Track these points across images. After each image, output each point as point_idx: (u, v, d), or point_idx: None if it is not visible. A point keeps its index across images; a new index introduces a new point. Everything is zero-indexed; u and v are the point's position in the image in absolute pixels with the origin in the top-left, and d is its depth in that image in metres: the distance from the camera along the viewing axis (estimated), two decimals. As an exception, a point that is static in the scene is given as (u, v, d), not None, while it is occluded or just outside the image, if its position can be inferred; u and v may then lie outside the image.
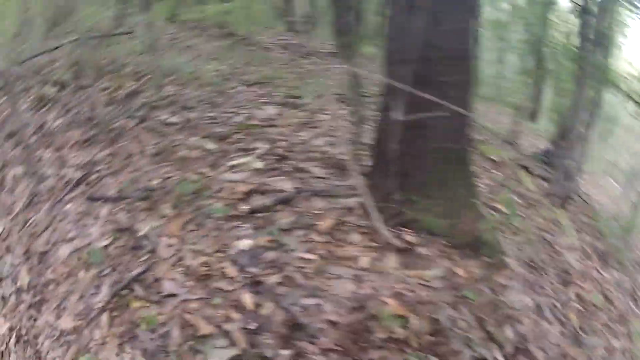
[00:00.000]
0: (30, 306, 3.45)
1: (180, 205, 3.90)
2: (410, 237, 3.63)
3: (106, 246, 3.62)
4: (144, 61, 6.72)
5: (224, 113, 5.62)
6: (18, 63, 6.88)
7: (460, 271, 3.47)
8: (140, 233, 3.68)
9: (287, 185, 4.18)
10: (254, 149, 4.79)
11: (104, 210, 3.93)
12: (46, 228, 3.91)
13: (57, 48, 6.34)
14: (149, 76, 6.37)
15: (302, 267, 3.28)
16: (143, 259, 3.49)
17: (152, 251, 3.54)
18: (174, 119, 5.21)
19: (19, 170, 4.57)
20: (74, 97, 5.74)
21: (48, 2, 7.41)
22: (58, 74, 6.33)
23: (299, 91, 6.61)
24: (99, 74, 6.35)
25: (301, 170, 4.47)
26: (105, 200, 4.02)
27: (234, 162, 4.48)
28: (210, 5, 10.17)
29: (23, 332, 3.34)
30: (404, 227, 3.68)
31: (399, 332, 2.97)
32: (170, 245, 3.57)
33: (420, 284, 3.29)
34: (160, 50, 6.63)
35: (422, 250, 3.57)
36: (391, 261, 3.43)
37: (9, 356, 3.27)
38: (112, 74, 6.35)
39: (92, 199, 4.05)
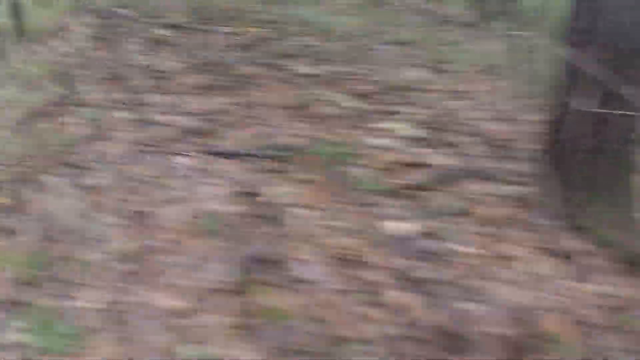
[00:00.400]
0: (123, 277, 2.69)
1: (316, 170, 3.09)
2: (578, 243, 2.92)
3: (224, 212, 2.84)
4: (270, 11, 6.06)
5: (363, 70, 4.80)
6: (126, 5, 6.46)
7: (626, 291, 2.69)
8: (267, 200, 2.90)
9: (439, 160, 3.45)
10: (398, 112, 4.01)
11: (224, 167, 3.15)
12: (150, 184, 3.09)
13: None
14: (280, 24, 5.71)
15: (456, 263, 2.67)
16: (269, 231, 2.72)
17: (281, 223, 2.77)
18: (307, 70, 4.43)
19: (123, 115, 3.78)
20: (191, 41, 5.08)
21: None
22: (174, 17, 5.76)
23: (444, 56, 5.70)
24: (220, 20, 5.74)
25: (454, 145, 3.72)
26: (227, 155, 3.23)
27: (378, 125, 3.66)
28: None
29: (112, 307, 2.60)
30: (573, 230, 3.02)
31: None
32: (303, 218, 2.81)
33: (585, 299, 2.57)
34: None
35: (589, 260, 2.83)
36: (558, 268, 2.76)
37: (94, 333, 2.54)
38: (236, 21, 5.70)
39: (210, 153, 3.26)
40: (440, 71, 5.26)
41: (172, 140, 3.41)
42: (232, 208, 2.83)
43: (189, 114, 3.72)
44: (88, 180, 3.12)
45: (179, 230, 2.75)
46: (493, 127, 3.97)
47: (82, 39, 5.67)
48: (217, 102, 3.84)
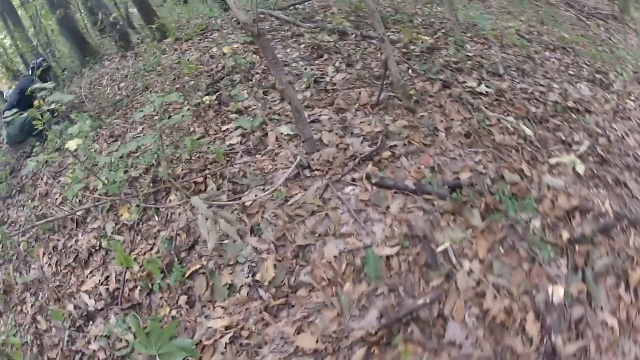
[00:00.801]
0: (266, 307, 2.69)
1: (493, 215, 2.86)
2: None
3: (389, 256, 2.68)
4: (435, 12, 5.79)
5: (536, 85, 4.45)
6: (282, 8, 6.49)
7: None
8: (438, 247, 2.71)
9: (607, 204, 3.12)
10: (575, 142, 3.72)
11: (395, 203, 2.96)
12: (313, 213, 2.98)
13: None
14: (443, 30, 5.43)
15: (601, 336, 2.42)
16: (434, 284, 2.55)
17: (448, 275, 2.58)
18: (483, 88, 4.10)
19: (284, 130, 3.73)
20: (357, 49, 5.00)
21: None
22: (334, 21, 5.70)
23: (603, 65, 5.28)
24: (383, 24, 5.58)
25: (621, 183, 3.44)
26: (399, 190, 3.04)
27: (555, 160, 3.34)
28: None
29: (244, 334, 2.63)
30: None
31: None
32: (471, 272, 2.60)
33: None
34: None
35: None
36: None
37: (214, 353, 2.58)
38: (400, 25, 5.51)
39: (381, 185, 3.09)
40: (603, 85, 4.85)
41: (342, 165, 3.29)
42: (401, 252, 2.69)
43: (362, 135, 3.58)
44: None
45: (339, 269, 2.68)
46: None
47: (235, 41, 5.85)
48: (391, 122, 3.67)
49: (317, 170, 3.29)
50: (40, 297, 3.57)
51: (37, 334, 3.33)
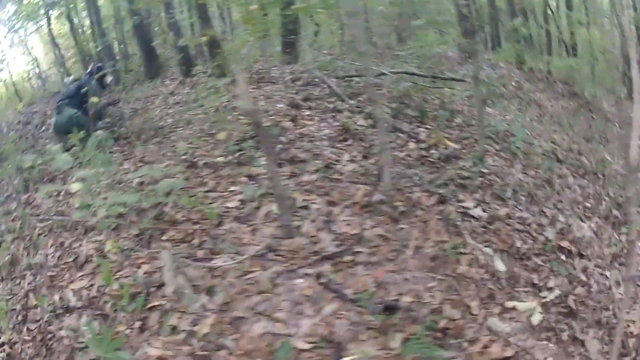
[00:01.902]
0: (193, 354, 2.98)
1: (413, 345, 3.01)
2: None
3: (302, 350, 2.94)
4: (474, 115, 5.97)
5: (538, 216, 4.53)
6: (338, 76, 6.83)
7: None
8: (346, 356, 2.90)
9: None
10: (546, 288, 3.76)
11: (331, 307, 3.19)
12: (260, 292, 3.30)
13: (380, 75, 5.98)
14: (475, 137, 5.60)
15: None
16: None
17: None
18: (477, 211, 4.24)
19: (274, 209, 4.01)
20: (382, 139, 5.26)
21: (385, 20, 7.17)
22: (380, 102, 5.99)
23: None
24: (420, 117, 5.82)
25: (579, 342, 3.42)
26: (339, 296, 3.27)
27: (512, 304, 3.44)
28: (556, 57, 8.91)
29: None
30: None
31: None
32: None
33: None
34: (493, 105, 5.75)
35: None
36: None
37: None
38: (437, 122, 5.73)
39: (326, 287, 3.33)
40: (615, 223, 4.82)
41: (303, 258, 3.57)
42: (314, 350, 2.93)
43: (337, 233, 3.84)
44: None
45: (258, 347, 2.96)
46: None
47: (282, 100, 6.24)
48: (370, 228, 3.90)
49: (281, 256, 3.61)
50: (37, 279, 4.19)
51: (25, 307, 3.96)
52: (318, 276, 3.42)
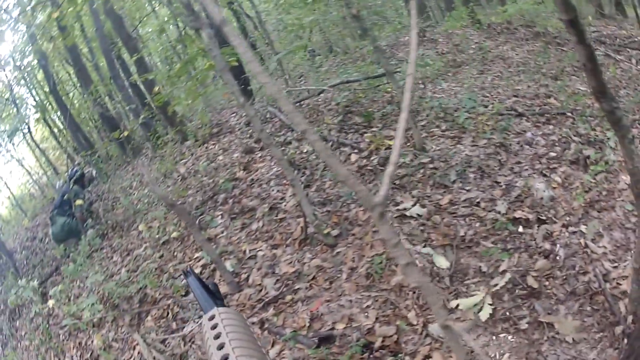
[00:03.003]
0: None
1: None
2: None
3: None
4: (423, 99, 5.82)
5: (490, 190, 4.33)
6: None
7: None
8: None
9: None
10: (499, 273, 3.55)
11: (275, 349, 3.28)
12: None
13: (320, 93, 5.94)
14: (425, 122, 5.45)
15: None
16: None
17: None
18: (415, 210, 4.12)
19: (228, 266, 4.17)
20: (291, 178, 5.22)
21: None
22: (327, 120, 5.95)
23: (605, 134, 4.91)
24: (366, 122, 5.71)
25: (544, 326, 3.16)
26: (280, 337, 3.34)
27: (457, 302, 3.30)
28: (510, 2, 8.52)
29: None
30: None
31: None
32: None
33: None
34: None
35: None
36: None
37: None
38: (382, 122, 5.60)
39: (270, 331, 3.44)
40: (586, 164, 4.54)
41: (250, 307, 3.70)
42: None
43: (278, 275, 3.91)
44: None
45: None
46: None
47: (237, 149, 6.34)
48: (307, 260, 3.94)
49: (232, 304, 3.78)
50: None
51: None
52: (262, 323, 3.53)
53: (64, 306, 5.44)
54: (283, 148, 5.83)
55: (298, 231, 4.25)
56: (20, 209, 12.96)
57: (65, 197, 7.37)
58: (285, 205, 4.72)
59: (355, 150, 5.13)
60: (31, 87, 12.48)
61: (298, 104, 6.73)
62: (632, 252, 3.62)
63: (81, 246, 6.56)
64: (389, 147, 4.98)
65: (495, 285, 3.43)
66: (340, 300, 3.48)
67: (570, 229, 3.96)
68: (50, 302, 5.32)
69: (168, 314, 4.30)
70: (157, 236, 5.61)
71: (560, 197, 4.31)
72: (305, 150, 5.49)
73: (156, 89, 6.66)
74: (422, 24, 8.19)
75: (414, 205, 4.14)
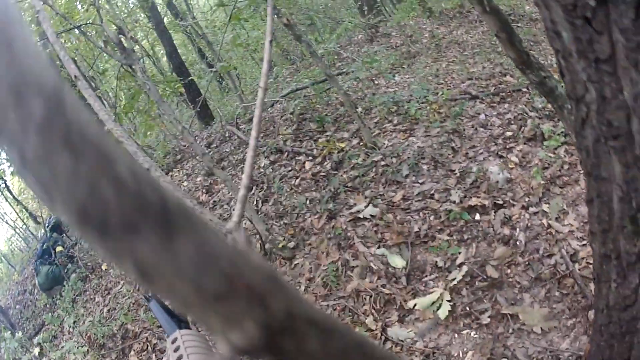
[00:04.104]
0: None
1: None
2: None
3: None
4: (372, 94, 5.74)
5: (444, 180, 4.22)
6: (244, 121, 6.81)
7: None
8: None
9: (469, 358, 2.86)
10: (456, 267, 3.41)
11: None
12: None
13: (273, 104, 5.87)
14: (377, 119, 5.36)
15: None
16: None
17: None
18: (368, 211, 4.02)
19: None
20: (282, 170, 5.16)
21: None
22: (282, 130, 5.88)
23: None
24: (319, 129, 5.62)
25: (508, 317, 3.03)
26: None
27: (414, 302, 3.19)
28: None
29: None
30: None
31: None
32: None
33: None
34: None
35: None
36: None
37: None
38: (336, 125, 5.53)
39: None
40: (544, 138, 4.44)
41: None
42: None
43: None
44: None
45: None
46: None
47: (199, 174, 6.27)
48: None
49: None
50: None
51: None
52: None
53: (51, 353, 5.48)
54: (242, 166, 5.74)
55: (257, 248, 4.15)
56: (9, 264, 12.90)
57: (45, 245, 7.54)
58: (246, 224, 4.61)
59: (309, 158, 5.04)
60: None
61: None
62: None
63: (65, 292, 6.65)
64: (341, 150, 4.89)
65: (453, 279, 3.32)
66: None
67: (531, 209, 3.82)
68: (36, 350, 5.33)
69: (147, 346, 4.38)
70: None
71: (517, 178, 4.19)
72: (262, 165, 5.40)
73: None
74: (373, 20, 8.09)
75: (366, 206, 4.04)
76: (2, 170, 12.35)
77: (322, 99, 5.97)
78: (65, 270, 7.15)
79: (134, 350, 4.49)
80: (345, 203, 4.18)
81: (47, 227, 7.95)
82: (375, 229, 3.84)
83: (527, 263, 3.39)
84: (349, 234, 3.86)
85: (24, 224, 13.68)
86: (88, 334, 5.08)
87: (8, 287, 11.14)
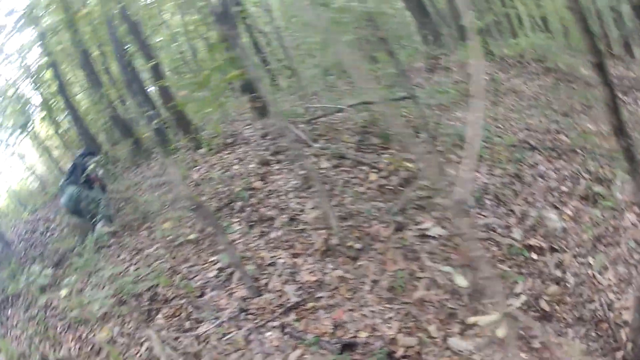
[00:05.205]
0: None
1: None
2: None
3: None
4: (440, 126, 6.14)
5: (505, 218, 4.64)
6: (302, 122, 7.15)
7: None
8: None
9: None
10: (514, 295, 3.84)
11: (296, 353, 3.47)
12: (237, 350, 3.65)
13: (339, 111, 6.22)
14: (441, 148, 5.75)
15: None
16: None
17: None
18: (436, 230, 4.41)
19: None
20: (344, 176, 5.50)
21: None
22: (344, 138, 6.24)
23: (612, 172, 5.18)
24: (384, 143, 6.01)
25: (548, 347, 3.43)
26: (301, 341, 3.55)
27: (473, 320, 3.55)
28: (523, 36, 8.97)
29: None
30: None
31: None
32: None
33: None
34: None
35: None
36: None
37: None
38: (399, 145, 5.90)
39: (291, 335, 3.64)
40: (595, 201, 4.87)
41: (271, 312, 3.89)
42: None
43: (300, 283, 4.11)
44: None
45: None
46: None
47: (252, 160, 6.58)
48: (330, 271, 4.16)
49: (252, 314, 3.93)
50: None
51: None
52: (283, 327, 3.72)
53: (74, 297, 5.59)
54: (301, 162, 6.09)
55: (320, 242, 4.48)
56: (19, 203, 13.07)
57: (78, 162, 7.53)
58: (304, 217, 4.96)
59: (374, 170, 5.41)
60: (37, 86, 12.71)
61: (313, 121, 7.01)
62: (634, 285, 3.97)
63: (88, 240, 6.66)
64: (407, 169, 5.28)
65: (511, 305, 3.72)
66: (363, 310, 3.72)
67: (580, 259, 4.27)
68: (63, 292, 5.34)
69: (181, 313, 4.45)
70: (169, 237, 5.78)
71: (571, 230, 4.62)
72: (324, 166, 5.76)
73: (182, 93, 6.88)
74: (436, 51, 8.54)
75: (434, 226, 4.43)
76: (32, 113, 12.66)
77: (386, 117, 6.34)
78: (93, 220, 7.15)
79: (162, 314, 4.55)
80: (413, 219, 4.55)
81: (81, 155, 7.85)
82: (442, 247, 4.22)
83: (573, 304, 3.84)
84: (415, 247, 4.22)
85: (47, 168, 13.87)
86: (112, 288, 5.12)
87: (14, 224, 11.23)
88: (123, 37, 9.21)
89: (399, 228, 4.48)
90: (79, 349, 4.84)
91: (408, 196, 4.84)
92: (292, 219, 5.00)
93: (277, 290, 4.12)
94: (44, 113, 12.41)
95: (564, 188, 5.14)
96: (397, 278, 3.90)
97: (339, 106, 6.54)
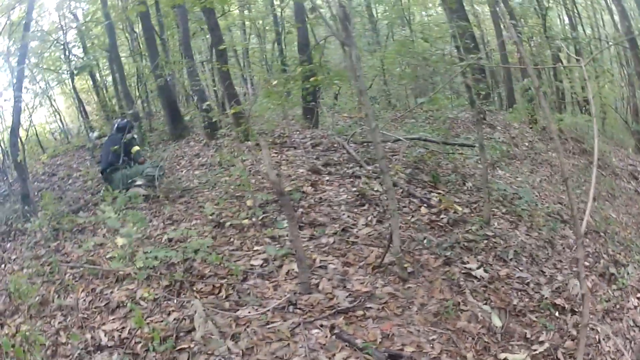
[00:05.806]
0: None
1: None
2: None
3: None
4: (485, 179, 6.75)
5: (537, 276, 5.23)
6: (357, 142, 7.66)
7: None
8: None
9: None
10: (538, 342, 4.41)
11: (342, 354, 3.86)
12: (280, 340, 3.96)
13: (396, 141, 6.78)
14: (481, 203, 6.34)
15: None
16: None
17: None
18: (479, 272, 4.96)
19: (292, 267, 4.83)
20: (392, 208, 6.01)
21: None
22: (393, 169, 6.81)
23: (627, 256, 5.84)
24: (432, 182, 6.59)
25: None
26: (350, 345, 3.94)
27: (503, 356, 4.13)
28: (568, 114, 9.68)
29: None
30: None
31: None
32: None
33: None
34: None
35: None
36: None
37: None
38: (449, 187, 6.49)
39: (339, 337, 4.03)
40: (610, 280, 5.50)
41: (320, 311, 4.31)
42: None
43: (354, 291, 4.57)
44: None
45: None
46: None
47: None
48: (381, 286, 4.65)
49: (300, 309, 4.34)
50: (68, 320, 4.75)
51: (56, 343, 4.49)
52: (332, 327, 4.13)
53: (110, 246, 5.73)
54: (351, 180, 6.65)
55: (373, 257, 5.03)
56: (39, 144, 13.34)
57: (116, 148, 7.84)
58: (358, 231, 5.51)
59: (425, 205, 6.00)
60: (85, 38, 13.12)
61: (367, 143, 7.57)
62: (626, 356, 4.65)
63: (120, 199, 6.85)
64: (456, 212, 5.88)
65: (535, 350, 4.31)
66: (410, 327, 4.19)
67: (591, 325, 4.89)
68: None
69: (219, 292, 4.69)
70: (211, 217, 6.15)
71: (588, 299, 5.26)
72: (376, 189, 6.33)
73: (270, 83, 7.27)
74: (485, 107, 9.17)
75: (478, 268, 5.02)
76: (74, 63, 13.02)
77: (436, 158, 6.98)
78: (129, 181, 7.54)
79: (196, 289, 4.75)
80: (460, 257, 5.14)
81: (119, 128, 8.11)
82: (483, 288, 4.80)
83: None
84: (460, 283, 4.80)
85: (78, 120, 14.13)
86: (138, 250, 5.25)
87: (31, 164, 11.26)
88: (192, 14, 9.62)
89: (447, 262, 5.03)
90: (90, 301, 4.95)
91: (456, 236, 5.43)
92: (344, 230, 5.52)
93: (328, 293, 4.55)
94: (86, 65, 12.74)
95: (586, 263, 5.76)
96: (443, 306, 4.44)
97: (396, 136, 7.12)
